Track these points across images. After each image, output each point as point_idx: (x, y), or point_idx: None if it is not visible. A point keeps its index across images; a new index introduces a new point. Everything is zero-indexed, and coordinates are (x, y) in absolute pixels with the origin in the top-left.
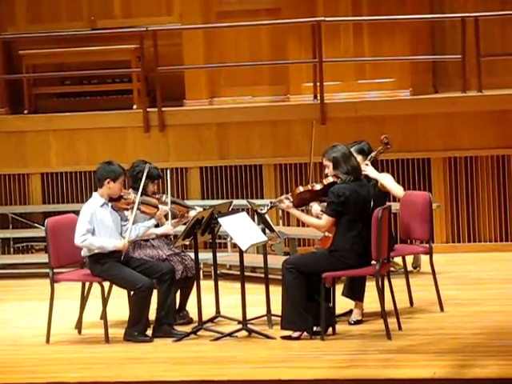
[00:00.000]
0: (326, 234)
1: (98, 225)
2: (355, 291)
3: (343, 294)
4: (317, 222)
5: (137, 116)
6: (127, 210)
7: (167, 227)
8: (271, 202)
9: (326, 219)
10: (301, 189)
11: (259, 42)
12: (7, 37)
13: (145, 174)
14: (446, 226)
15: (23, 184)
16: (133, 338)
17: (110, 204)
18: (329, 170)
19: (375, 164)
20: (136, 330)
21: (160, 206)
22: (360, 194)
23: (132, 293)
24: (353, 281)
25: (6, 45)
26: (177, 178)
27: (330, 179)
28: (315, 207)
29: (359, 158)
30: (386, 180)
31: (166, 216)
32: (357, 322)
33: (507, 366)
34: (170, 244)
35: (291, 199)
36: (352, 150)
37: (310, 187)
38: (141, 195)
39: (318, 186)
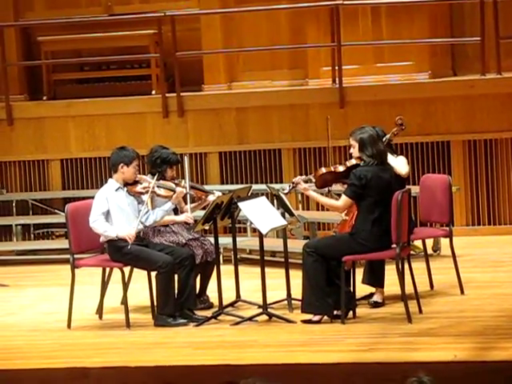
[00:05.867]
0: (344, 217)
1: (113, 209)
2: (375, 278)
3: (363, 281)
4: (334, 202)
5: (156, 101)
6: (143, 194)
7: (186, 215)
8: (293, 182)
9: (344, 200)
10: (323, 170)
11: (278, 26)
12: (26, 23)
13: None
14: (466, 209)
15: (43, 170)
16: (166, 324)
17: (125, 188)
18: (354, 151)
19: (392, 146)
20: (166, 312)
21: (176, 189)
22: (382, 178)
23: (155, 274)
24: (372, 268)
25: (25, 31)
26: (196, 162)
27: (353, 161)
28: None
29: None
30: (391, 158)
31: (184, 200)
32: (377, 304)
33: None
34: (190, 229)
35: (313, 180)
36: None
37: (332, 169)
38: (158, 180)
39: (340, 168)
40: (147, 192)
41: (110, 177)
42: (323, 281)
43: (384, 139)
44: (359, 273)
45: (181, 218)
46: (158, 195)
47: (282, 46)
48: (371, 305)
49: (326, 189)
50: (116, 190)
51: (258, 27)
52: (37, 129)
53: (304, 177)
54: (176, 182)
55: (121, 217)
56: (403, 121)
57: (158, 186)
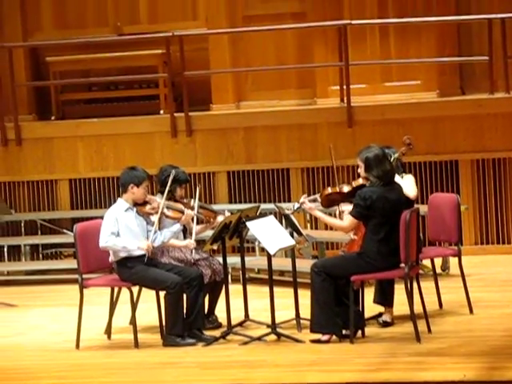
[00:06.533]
0: (352, 237)
1: (122, 229)
2: (385, 297)
3: (374, 301)
4: (340, 223)
5: (164, 121)
6: (152, 214)
7: (189, 241)
8: (298, 202)
9: (349, 220)
10: (329, 190)
11: (285, 45)
12: (34, 43)
13: (170, 179)
14: (475, 228)
15: (51, 190)
16: (175, 343)
17: (134, 209)
18: (361, 170)
19: (402, 165)
20: (175, 332)
21: (185, 211)
22: (388, 199)
23: (164, 294)
24: (383, 287)
25: (33, 51)
26: (204, 182)
27: (360, 181)
28: (345, 207)
29: None
30: (398, 179)
31: (193, 220)
32: (386, 324)
33: None
34: (198, 248)
35: (319, 200)
36: None
37: (338, 189)
38: (168, 200)
39: (346, 188)
40: (156, 213)
41: (119, 196)
42: (332, 300)
43: (392, 159)
44: (368, 292)
45: (183, 243)
46: (167, 216)
47: (289, 66)
48: (380, 324)
49: (336, 208)
50: (125, 210)
51: (266, 47)
52: (45, 149)
53: (310, 196)
54: (185, 201)
55: (129, 237)
56: (411, 140)
57: (167, 208)
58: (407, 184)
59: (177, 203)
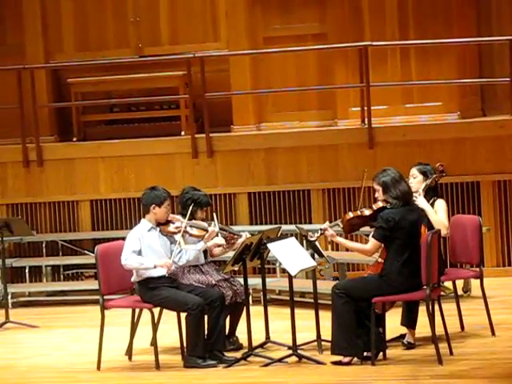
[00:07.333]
0: (378, 259)
1: (145, 249)
2: (411, 320)
3: (402, 323)
4: (363, 246)
5: (185, 142)
6: (175, 234)
7: (217, 238)
8: (321, 229)
9: (372, 243)
10: (350, 215)
11: (306, 67)
12: (56, 65)
13: (189, 210)
14: (497, 250)
15: (72, 211)
16: (196, 365)
17: (157, 229)
18: (378, 194)
19: (434, 190)
20: (196, 354)
21: (209, 228)
22: (409, 220)
23: (185, 315)
24: (410, 310)
25: (55, 73)
26: (225, 203)
27: (380, 204)
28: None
29: (420, 177)
30: (432, 213)
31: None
32: (410, 345)
33: None
34: (220, 270)
35: (341, 225)
36: (415, 168)
37: (359, 213)
38: (189, 220)
39: (367, 212)
40: (180, 232)
41: (140, 217)
42: (353, 322)
43: (424, 185)
44: (390, 314)
45: (212, 242)
46: (191, 235)
47: (310, 87)
48: (405, 345)
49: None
50: (149, 230)
51: (287, 68)
52: (66, 170)
53: (331, 223)
54: (207, 223)
55: (152, 257)
56: (444, 167)
57: (190, 226)
58: (439, 217)
59: (200, 221)
